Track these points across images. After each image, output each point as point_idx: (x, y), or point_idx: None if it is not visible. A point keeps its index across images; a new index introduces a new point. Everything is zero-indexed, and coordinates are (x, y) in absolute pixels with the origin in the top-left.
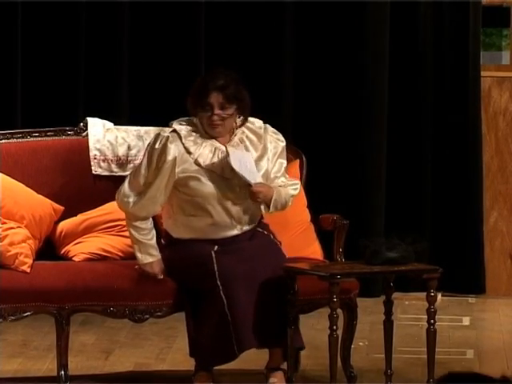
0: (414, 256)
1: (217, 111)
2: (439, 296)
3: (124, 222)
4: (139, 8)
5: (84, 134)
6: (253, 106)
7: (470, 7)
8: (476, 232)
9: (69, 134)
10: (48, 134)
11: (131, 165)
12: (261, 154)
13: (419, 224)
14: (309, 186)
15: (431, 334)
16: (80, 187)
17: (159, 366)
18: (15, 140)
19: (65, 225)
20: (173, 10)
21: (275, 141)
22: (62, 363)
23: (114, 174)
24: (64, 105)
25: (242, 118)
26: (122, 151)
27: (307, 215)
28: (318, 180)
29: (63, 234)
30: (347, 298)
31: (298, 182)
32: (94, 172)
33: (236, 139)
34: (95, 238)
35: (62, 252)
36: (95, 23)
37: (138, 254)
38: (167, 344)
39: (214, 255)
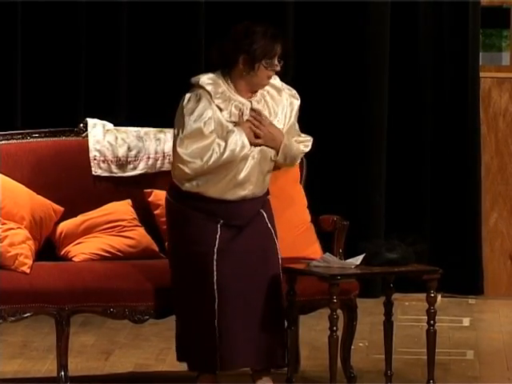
0: (414, 257)
1: (277, 61)
2: (439, 297)
3: (124, 223)
4: (138, 8)
5: (84, 134)
6: None
7: (469, 8)
8: (475, 233)
9: (69, 135)
10: (48, 134)
11: (131, 166)
12: (280, 108)
13: (419, 225)
14: (309, 187)
15: (431, 335)
16: (80, 188)
17: (159, 367)
18: (15, 141)
19: (65, 225)
20: (172, 10)
21: (290, 98)
22: (62, 364)
23: (113, 174)
24: (64, 105)
25: None
26: (121, 152)
27: (307, 216)
28: (318, 181)
29: (63, 234)
30: (347, 298)
31: (311, 138)
32: (93, 173)
33: (258, 95)
34: (95, 238)
35: (62, 253)
36: (95, 23)
37: (238, 142)
38: (167, 345)
39: (215, 257)
